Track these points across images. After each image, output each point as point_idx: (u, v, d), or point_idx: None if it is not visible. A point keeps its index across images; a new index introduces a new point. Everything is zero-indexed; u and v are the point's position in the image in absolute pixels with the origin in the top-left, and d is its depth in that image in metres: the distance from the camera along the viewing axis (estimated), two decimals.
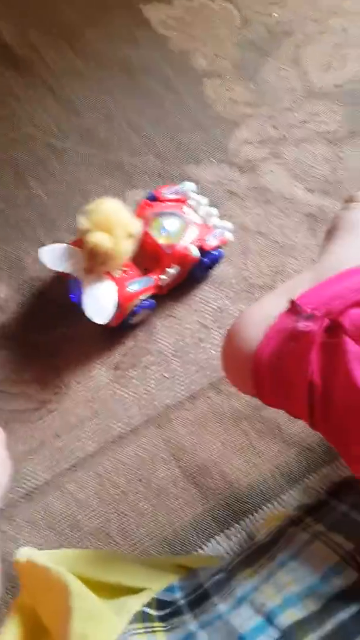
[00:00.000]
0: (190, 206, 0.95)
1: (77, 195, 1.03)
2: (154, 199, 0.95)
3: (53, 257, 0.87)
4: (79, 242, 0.86)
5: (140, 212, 0.92)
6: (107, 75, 1.16)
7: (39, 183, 1.04)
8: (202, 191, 1.04)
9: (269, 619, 0.37)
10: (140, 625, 0.41)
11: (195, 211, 0.94)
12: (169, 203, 0.94)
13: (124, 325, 0.89)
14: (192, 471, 0.84)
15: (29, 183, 1.03)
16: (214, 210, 0.95)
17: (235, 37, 1.22)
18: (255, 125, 1.12)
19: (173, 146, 1.09)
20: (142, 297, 0.87)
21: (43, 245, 0.97)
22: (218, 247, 0.93)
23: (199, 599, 0.43)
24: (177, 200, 0.95)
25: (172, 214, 0.92)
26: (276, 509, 0.82)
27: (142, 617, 0.42)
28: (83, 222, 0.84)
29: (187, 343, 0.92)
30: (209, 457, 0.85)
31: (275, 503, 0.82)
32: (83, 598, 0.44)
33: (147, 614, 0.43)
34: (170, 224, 0.91)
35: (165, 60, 1.19)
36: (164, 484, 0.83)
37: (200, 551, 0.80)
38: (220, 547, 0.80)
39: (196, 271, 0.93)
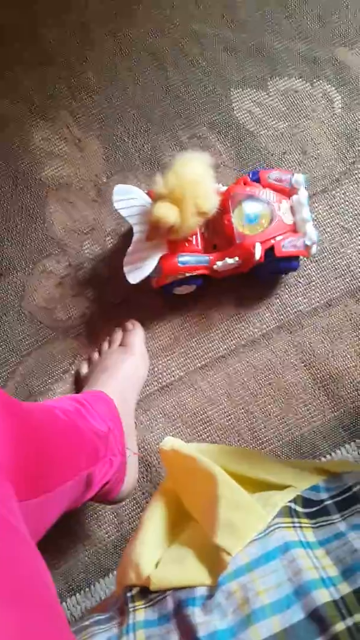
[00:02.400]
0: (290, 201, 0.81)
1: (216, 84, 0.96)
2: (257, 179, 0.82)
3: (125, 200, 0.80)
4: (151, 194, 0.79)
5: (234, 188, 0.81)
6: None
7: (177, 72, 0.98)
8: (353, 77, 0.93)
9: None
10: (287, 519, 0.42)
11: (293, 210, 0.81)
12: (267, 190, 0.81)
13: (166, 291, 0.84)
14: (323, 378, 0.83)
15: (168, 73, 0.98)
16: (307, 214, 0.80)
17: None
18: None
19: (321, 26, 0.97)
20: (189, 273, 0.80)
21: (180, 139, 0.94)
22: (293, 256, 0.80)
23: (347, 501, 0.43)
24: (279, 190, 0.82)
25: (263, 202, 0.80)
26: None
27: (288, 512, 0.43)
28: (159, 182, 0.75)
29: (326, 247, 0.87)
30: (342, 366, 0.83)
31: None
32: (230, 488, 0.45)
33: (294, 509, 0.43)
34: (256, 214, 0.79)
35: None
36: (294, 389, 0.83)
37: (329, 457, 0.80)
38: (350, 455, 0.79)
39: (260, 272, 0.83)
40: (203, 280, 0.83)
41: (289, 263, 0.81)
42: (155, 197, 0.76)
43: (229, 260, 0.79)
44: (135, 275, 0.78)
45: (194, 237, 0.81)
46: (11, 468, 0.44)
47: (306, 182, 0.82)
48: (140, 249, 0.79)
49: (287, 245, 0.78)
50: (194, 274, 0.81)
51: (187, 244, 0.80)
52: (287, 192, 0.82)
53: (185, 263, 0.79)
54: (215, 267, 0.80)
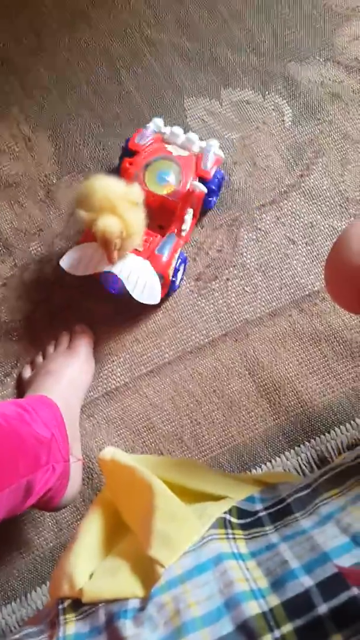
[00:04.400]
0: (168, 142, 0.86)
1: (169, 91, 0.97)
2: (130, 153, 0.85)
3: (73, 264, 0.78)
4: (89, 235, 0.77)
5: (126, 173, 0.83)
6: None
7: (131, 77, 0.98)
8: (303, 91, 0.95)
9: (355, 540, 0.37)
10: (221, 530, 0.43)
11: (176, 144, 0.86)
12: (148, 149, 0.84)
13: (173, 289, 0.85)
14: (266, 387, 0.84)
15: (121, 77, 0.98)
16: (193, 135, 0.86)
17: None
18: None
19: (275, 41, 0.99)
20: (176, 255, 0.82)
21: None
22: (216, 168, 0.86)
23: (280, 513, 0.44)
24: (155, 142, 0.86)
25: (159, 158, 0.83)
26: (348, 432, 0.81)
27: (223, 523, 0.43)
28: (82, 214, 0.73)
29: (273, 258, 0.89)
30: (285, 375, 0.85)
31: (349, 425, 0.81)
32: (166, 499, 0.45)
33: (228, 520, 0.44)
34: (163, 170, 0.82)
35: None
36: (237, 397, 0.84)
37: (269, 465, 0.81)
38: (289, 462, 0.81)
39: (208, 202, 0.87)
40: None
41: (219, 174, 0.87)
42: (88, 230, 0.75)
43: (187, 217, 0.82)
44: (151, 295, 0.79)
45: (147, 235, 0.81)
46: None
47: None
48: (122, 275, 0.78)
49: (207, 165, 0.84)
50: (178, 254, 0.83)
51: (148, 243, 0.81)
52: (160, 139, 0.87)
53: (166, 252, 0.80)
54: (183, 234, 0.83)
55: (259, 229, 0.90)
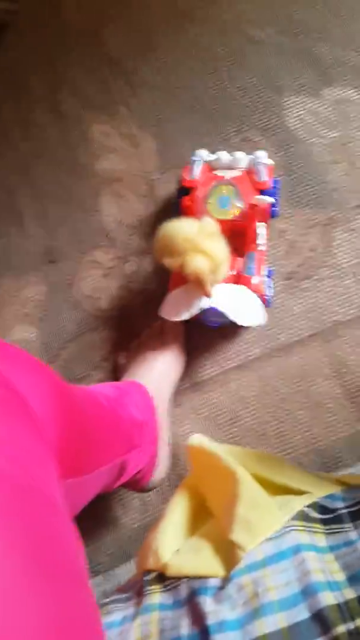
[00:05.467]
0: (217, 168, 0.87)
1: (269, 91, 0.98)
2: (186, 191, 0.86)
3: (175, 311, 0.79)
4: (180, 279, 0.79)
5: (189, 211, 0.84)
6: None
7: (232, 76, 1.00)
8: None
9: None
10: (302, 523, 0.44)
11: (224, 167, 0.86)
12: (201, 181, 0.85)
13: (268, 305, 0.85)
14: (354, 391, 0.84)
15: (223, 77, 1.00)
16: (238, 154, 0.85)
17: None
18: None
19: None
20: (263, 270, 0.83)
21: (230, 141, 0.96)
22: (272, 177, 0.86)
23: None
24: (204, 173, 0.86)
25: (215, 186, 0.84)
26: None
27: (303, 516, 0.45)
28: (168, 261, 0.73)
29: None
30: None
31: None
32: (250, 487, 0.47)
33: (309, 514, 0.45)
34: (223, 195, 0.83)
35: None
36: (323, 398, 0.84)
37: (351, 470, 0.81)
38: None
39: (273, 212, 0.89)
40: None
41: (275, 182, 0.88)
42: (176, 274, 0.78)
43: (261, 231, 0.83)
44: (256, 316, 0.80)
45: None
46: (58, 447, 0.47)
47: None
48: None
49: (261, 177, 0.84)
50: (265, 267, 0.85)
51: (235, 268, 0.82)
52: (209, 169, 0.87)
53: (253, 271, 0.81)
54: (262, 247, 0.84)
55: (354, 230, 0.89)
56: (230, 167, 0.87)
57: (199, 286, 0.74)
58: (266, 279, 0.84)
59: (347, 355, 0.85)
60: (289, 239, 0.90)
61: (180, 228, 0.73)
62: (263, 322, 0.80)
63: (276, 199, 0.88)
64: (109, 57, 1.05)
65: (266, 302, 0.83)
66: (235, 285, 0.80)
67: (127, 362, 0.87)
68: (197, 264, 0.71)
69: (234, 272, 0.82)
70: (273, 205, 0.87)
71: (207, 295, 0.75)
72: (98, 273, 0.95)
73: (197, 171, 0.86)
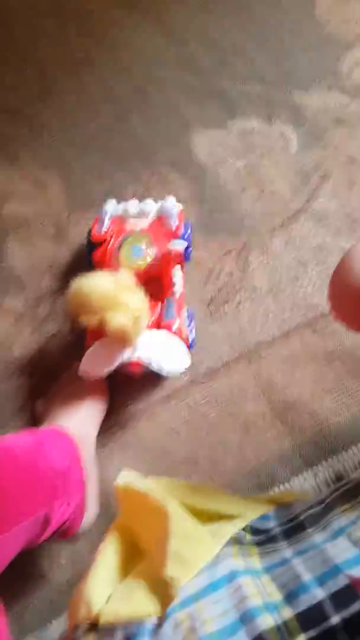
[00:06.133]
0: (126, 217, 0.87)
1: (176, 125, 1.00)
2: (95, 245, 0.86)
3: (94, 368, 0.77)
4: (96, 333, 0.76)
5: (102, 264, 0.84)
6: None
7: (137, 113, 1.02)
8: (308, 118, 0.98)
9: None
10: (235, 548, 0.43)
11: (134, 216, 0.87)
12: (111, 233, 0.86)
13: (191, 347, 0.85)
14: (281, 408, 0.84)
15: (128, 115, 1.02)
16: (147, 202, 0.88)
17: None
18: None
19: (279, 71, 1.02)
20: (183, 313, 0.83)
21: (140, 177, 0.97)
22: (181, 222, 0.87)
23: (294, 529, 0.44)
24: (114, 224, 0.87)
25: (126, 237, 0.85)
26: None
27: (237, 541, 0.44)
28: (86, 319, 0.72)
29: (283, 281, 0.90)
30: (299, 396, 0.85)
31: None
32: (181, 521, 0.46)
33: (242, 538, 0.44)
34: (135, 245, 0.84)
35: None
36: (253, 419, 0.84)
37: (287, 485, 0.81)
38: (307, 483, 0.80)
39: (187, 254, 0.89)
40: None
41: (185, 225, 0.88)
42: (92, 331, 0.76)
43: (177, 273, 0.82)
44: (182, 361, 0.79)
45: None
46: None
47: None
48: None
49: (172, 223, 0.85)
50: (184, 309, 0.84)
51: (153, 315, 0.81)
52: (118, 220, 0.88)
53: (173, 315, 0.80)
54: (178, 290, 0.83)
55: (269, 253, 0.91)
56: (140, 216, 0.87)
57: (121, 341, 0.73)
58: (187, 320, 0.84)
59: (273, 374, 0.86)
60: (206, 266, 0.91)
61: (95, 285, 0.71)
62: (187, 366, 0.79)
63: (189, 242, 0.88)
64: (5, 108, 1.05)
65: (189, 345, 0.83)
66: (157, 331, 0.79)
67: (46, 408, 0.83)
68: (119, 320, 0.70)
69: (155, 317, 0.81)
70: (187, 247, 0.87)
71: (131, 347, 0.73)
72: (9, 320, 0.92)
73: (106, 224, 0.86)
